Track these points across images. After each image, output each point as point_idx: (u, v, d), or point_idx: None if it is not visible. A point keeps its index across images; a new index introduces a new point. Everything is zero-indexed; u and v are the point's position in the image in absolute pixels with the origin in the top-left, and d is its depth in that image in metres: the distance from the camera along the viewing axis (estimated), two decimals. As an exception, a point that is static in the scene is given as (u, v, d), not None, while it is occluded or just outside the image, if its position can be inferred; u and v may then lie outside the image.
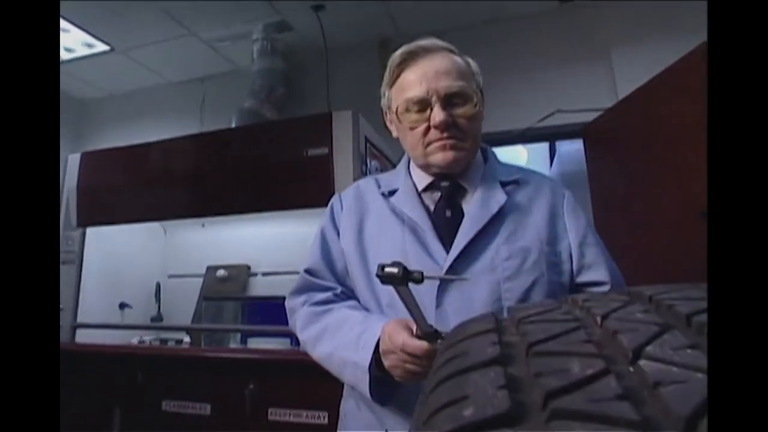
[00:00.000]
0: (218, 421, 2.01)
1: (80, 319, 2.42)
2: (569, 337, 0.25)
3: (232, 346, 2.24)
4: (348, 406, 0.82)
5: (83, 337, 2.42)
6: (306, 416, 1.88)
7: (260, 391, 1.95)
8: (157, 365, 2.13)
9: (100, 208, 2.44)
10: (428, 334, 0.61)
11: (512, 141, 2.70)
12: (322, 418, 1.86)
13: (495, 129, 2.49)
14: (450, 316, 0.71)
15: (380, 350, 0.67)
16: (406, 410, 0.71)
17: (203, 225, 2.74)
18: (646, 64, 2.07)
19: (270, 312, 2.26)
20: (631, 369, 0.22)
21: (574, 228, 0.79)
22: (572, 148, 2.83)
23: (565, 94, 2.54)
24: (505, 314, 0.71)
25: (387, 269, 0.60)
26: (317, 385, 1.88)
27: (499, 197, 0.78)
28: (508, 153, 3.18)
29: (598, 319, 0.26)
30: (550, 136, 2.73)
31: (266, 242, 2.64)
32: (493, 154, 0.90)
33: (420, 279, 0.60)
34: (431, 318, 0.70)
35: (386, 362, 0.66)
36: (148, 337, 2.49)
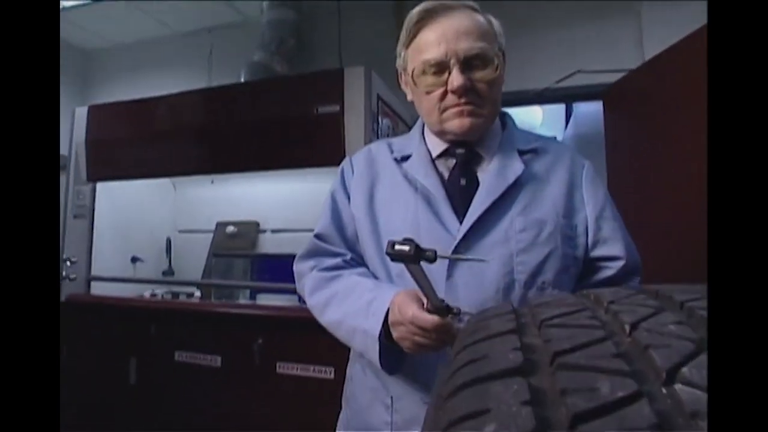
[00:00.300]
0: (229, 373, 2.07)
1: (94, 272, 2.47)
2: (597, 348, 0.24)
3: (242, 301, 2.28)
4: (354, 370, 0.83)
5: (98, 289, 2.48)
6: (313, 370, 1.94)
7: (269, 345, 2.00)
8: (170, 318, 2.19)
9: (109, 163, 2.43)
10: (439, 308, 0.60)
11: (528, 101, 2.61)
12: (328, 372, 1.91)
13: (510, 89, 2.41)
14: (460, 288, 0.70)
15: (389, 321, 0.66)
16: (413, 378, 0.72)
17: (212, 181, 2.74)
18: (678, 24, 1.95)
19: (279, 269, 2.28)
20: (665, 391, 0.20)
21: (592, 201, 0.77)
22: (589, 110, 2.74)
23: (587, 53, 2.43)
24: (516, 289, 0.71)
25: (397, 247, 0.58)
26: (324, 342, 1.92)
27: (516, 167, 0.75)
28: (523, 114, 3.10)
29: (627, 327, 0.25)
30: (569, 97, 2.63)
31: (276, 199, 2.63)
32: (512, 120, 0.86)
33: (433, 258, 0.57)
34: (441, 290, 0.69)
35: (395, 333, 0.65)
36: (160, 290, 2.54)
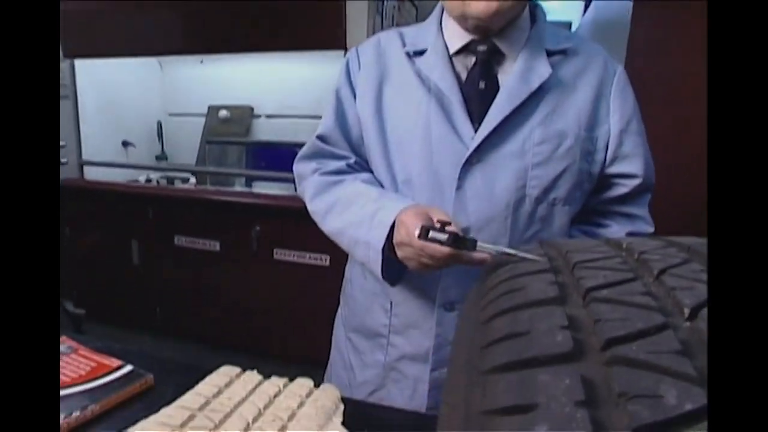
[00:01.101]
0: (227, 257, 2.15)
1: (85, 157, 2.43)
2: (627, 287, 0.24)
3: (237, 189, 2.28)
4: (354, 272, 0.83)
5: (91, 174, 2.46)
6: (309, 258, 2.01)
7: (266, 232, 2.05)
8: (167, 203, 2.20)
9: (88, 38, 2.27)
10: (456, 242, 0.55)
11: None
12: (323, 260, 1.98)
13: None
14: (469, 200, 0.68)
15: (395, 240, 0.63)
16: (413, 285, 0.72)
17: (202, 61, 2.59)
18: None
19: (274, 157, 2.26)
20: (688, 324, 0.21)
21: (619, 112, 0.71)
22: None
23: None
24: (526, 205, 0.68)
25: (434, 235, 0.52)
26: (320, 231, 1.96)
27: (542, 70, 0.68)
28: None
29: (655, 272, 0.25)
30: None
31: (270, 82, 2.52)
32: (543, 13, 0.76)
33: (472, 248, 0.52)
34: (449, 201, 0.68)
35: (400, 253, 0.62)
36: (155, 175, 2.52)
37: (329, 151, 0.78)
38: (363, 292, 0.79)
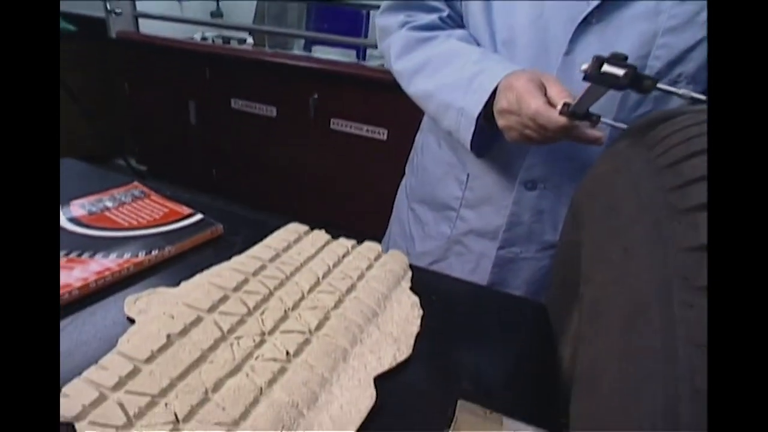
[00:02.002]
0: (284, 124, 2.13)
1: (139, 9, 2.35)
2: None
3: (296, 52, 2.18)
4: (427, 141, 0.77)
5: (146, 28, 2.40)
6: (366, 130, 1.96)
7: (323, 101, 1.99)
8: (224, 64, 2.15)
9: None
10: (576, 112, 0.47)
11: None
12: (381, 134, 1.93)
13: None
14: (578, 67, 0.58)
15: (497, 107, 0.55)
16: (494, 159, 0.66)
17: None
18: None
19: (337, 19, 2.10)
20: None
21: None
22: None
23: None
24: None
25: (607, 68, 0.40)
26: (380, 103, 1.89)
27: None
28: None
29: None
30: None
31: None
32: None
33: (650, 88, 0.41)
34: (554, 67, 0.59)
35: (501, 121, 0.55)
36: (210, 33, 2.44)
37: (420, 3, 0.68)
38: (436, 163, 0.74)
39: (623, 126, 0.47)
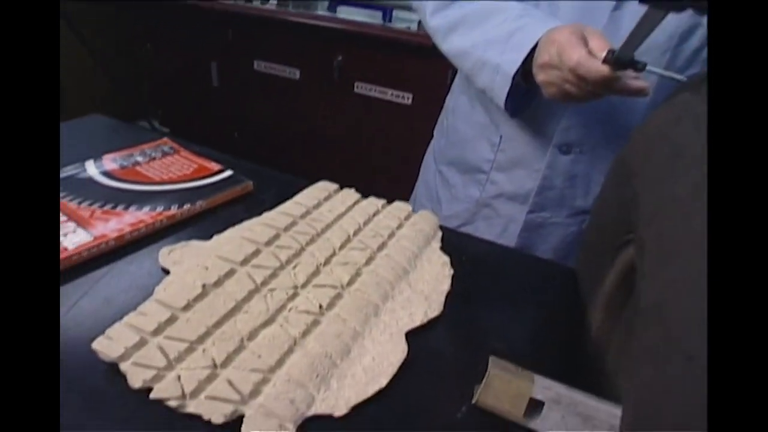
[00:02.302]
0: (307, 87, 2.10)
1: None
2: None
3: (320, 12, 2.13)
4: (459, 102, 0.75)
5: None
6: (390, 94, 1.92)
7: (347, 63, 1.95)
8: (247, 24, 2.12)
9: None
10: (621, 59, 0.45)
11: None
12: (406, 98, 1.90)
13: None
14: (625, 24, 0.55)
15: (536, 62, 0.53)
16: (529, 119, 0.64)
17: None
18: None
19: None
20: None
21: None
22: None
23: None
24: (697, 35, 0.53)
25: None
26: (405, 66, 1.85)
27: None
28: None
29: None
30: None
31: None
32: None
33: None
34: (602, 20, 0.56)
35: (541, 76, 0.53)
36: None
37: None
38: (468, 124, 0.73)
39: (672, 75, 0.45)
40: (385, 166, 2.03)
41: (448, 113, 0.79)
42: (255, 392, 0.33)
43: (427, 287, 0.46)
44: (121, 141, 0.68)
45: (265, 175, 0.66)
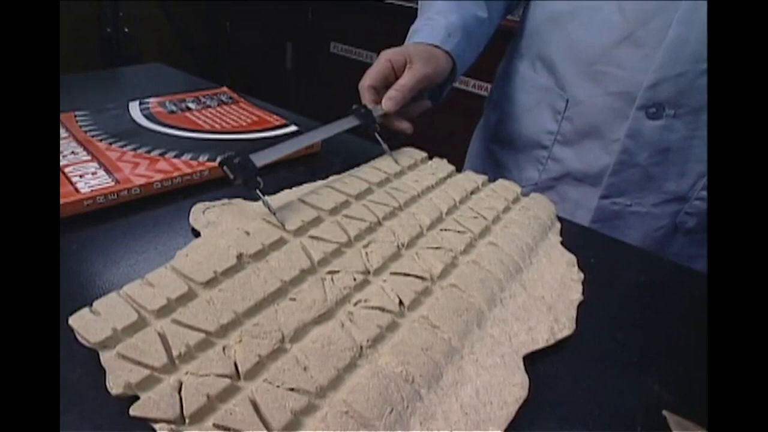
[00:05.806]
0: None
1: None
2: None
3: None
4: (516, 67, 0.59)
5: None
6: (473, 86, 1.79)
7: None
8: (327, 5, 2.05)
9: None
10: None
11: None
12: (485, 90, 1.75)
13: None
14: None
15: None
16: (608, 74, 0.50)
17: None
18: None
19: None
20: None
21: None
22: None
23: None
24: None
25: None
26: (488, 57, 1.70)
27: None
28: None
29: None
30: None
31: None
32: None
33: None
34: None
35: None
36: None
37: None
38: (527, 91, 0.57)
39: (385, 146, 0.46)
40: (459, 160, 1.89)
41: (499, 83, 0.64)
42: (293, 425, 0.21)
43: (549, 293, 0.32)
44: (179, 87, 0.59)
45: (335, 139, 0.54)
